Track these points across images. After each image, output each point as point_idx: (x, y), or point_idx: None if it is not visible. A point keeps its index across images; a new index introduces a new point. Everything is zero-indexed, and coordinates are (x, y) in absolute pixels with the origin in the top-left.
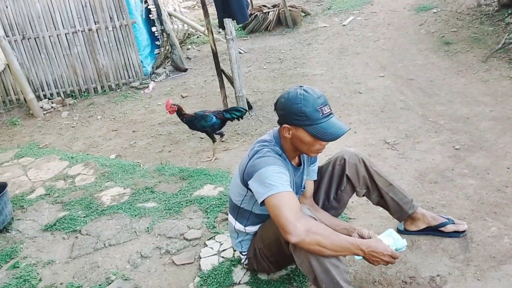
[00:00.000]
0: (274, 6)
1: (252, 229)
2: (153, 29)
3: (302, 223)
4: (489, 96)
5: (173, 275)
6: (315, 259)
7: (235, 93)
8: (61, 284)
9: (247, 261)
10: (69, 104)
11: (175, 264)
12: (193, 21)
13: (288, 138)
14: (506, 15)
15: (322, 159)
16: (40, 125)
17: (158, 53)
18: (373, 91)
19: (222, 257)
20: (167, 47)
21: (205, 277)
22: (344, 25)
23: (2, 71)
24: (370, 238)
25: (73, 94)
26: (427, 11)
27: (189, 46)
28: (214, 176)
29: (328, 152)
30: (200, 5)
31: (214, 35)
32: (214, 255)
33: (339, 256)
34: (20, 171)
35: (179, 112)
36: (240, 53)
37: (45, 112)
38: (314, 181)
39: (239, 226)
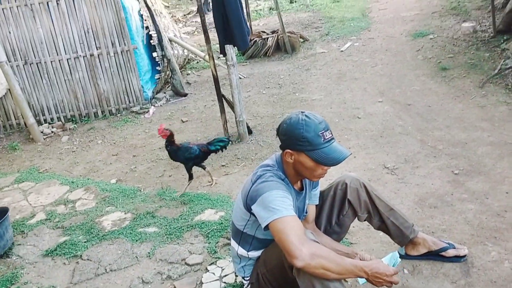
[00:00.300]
0: (273, 32)
1: (255, 254)
2: (154, 54)
3: (307, 247)
4: (486, 121)
5: None
6: (320, 283)
7: (236, 118)
8: None
9: (249, 286)
10: (70, 129)
11: None
12: (193, 47)
13: (291, 163)
14: (502, 41)
15: (323, 183)
16: (40, 150)
17: (159, 78)
18: (371, 116)
19: (224, 282)
20: (168, 72)
21: None
22: (342, 50)
23: (3, 96)
24: None
25: (74, 119)
26: (423, 37)
27: (189, 71)
28: (215, 200)
29: (328, 177)
30: (200, 30)
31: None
32: (216, 280)
33: (343, 279)
34: (20, 196)
35: (170, 138)
36: (240, 78)
37: (45, 136)
38: (316, 205)
39: (241, 251)
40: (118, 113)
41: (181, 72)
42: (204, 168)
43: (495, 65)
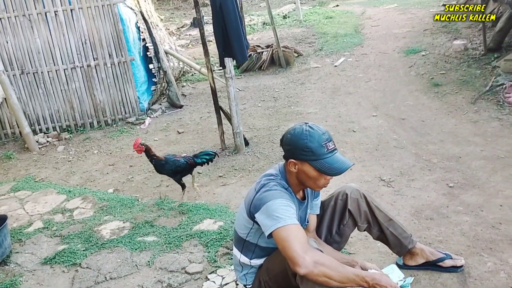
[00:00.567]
0: (267, 46)
1: (257, 262)
2: (151, 66)
3: (310, 255)
4: (479, 136)
5: None
6: None
7: (233, 130)
8: None
9: None
10: (65, 139)
11: None
12: (188, 59)
13: (294, 172)
14: (493, 59)
15: (323, 194)
16: (35, 159)
17: (155, 89)
18: (366, 130)
19: None
20: (164, 84)
21: None
22: (335, 65)
23: None
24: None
25: (69, 129)
26: (416, 54)
27: (184, 84)
28: (213, 210)
29: (326, 188)
30: (194, 43)
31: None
32: None
33: (345, 287)
34: (17, 205)
35: (148, 152)
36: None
37: (40, 146)
38: (317, 215)
39: (244, 259)
40: (114, 124)
41: (176, 84)
42: (193, 179)
43: (486, 82)
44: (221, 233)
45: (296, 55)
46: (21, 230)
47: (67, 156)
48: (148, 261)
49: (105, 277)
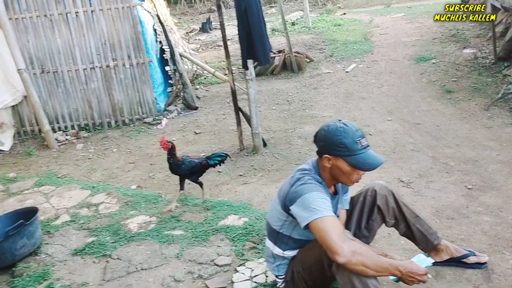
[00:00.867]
0: (279, 52)
1: (290, 253)
2: (167, 68)
3: (347, 245)
4: (494, 141)
5: None
6: (358, 280)
7: (252, 130)
8: None
9: (283, 284)
10: (83, 137)
11: None
12: (202, 62)
13: (328, 167)
14: (503, 68)
15: (352, 190)
16: (56, 156)
17: (171, 91)
18: (382, 134)
19: (255, 282)
20: (179, 86)
21: None
22: (347, 71)
23: (19, 102)
24: None
25: (87, 128)
26: (426, 62)
27: (197, 86)
28: (237, 207)
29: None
30: (204, 48)
31: (223, 75)
32: (247, 280)
33: (379, 276)
34: (42, 199)
35: (171, 150)
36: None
37: (59, 143)
38: (346, 210)
39: (277, 250)
40: (131, 124)
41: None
42: (201, 184)
43: (498, 90)
44: (246, 228)
45: (307, 60)
46: (48, 223)
47: (86, 154)
48: (177, 254)
49: (136, 268)
